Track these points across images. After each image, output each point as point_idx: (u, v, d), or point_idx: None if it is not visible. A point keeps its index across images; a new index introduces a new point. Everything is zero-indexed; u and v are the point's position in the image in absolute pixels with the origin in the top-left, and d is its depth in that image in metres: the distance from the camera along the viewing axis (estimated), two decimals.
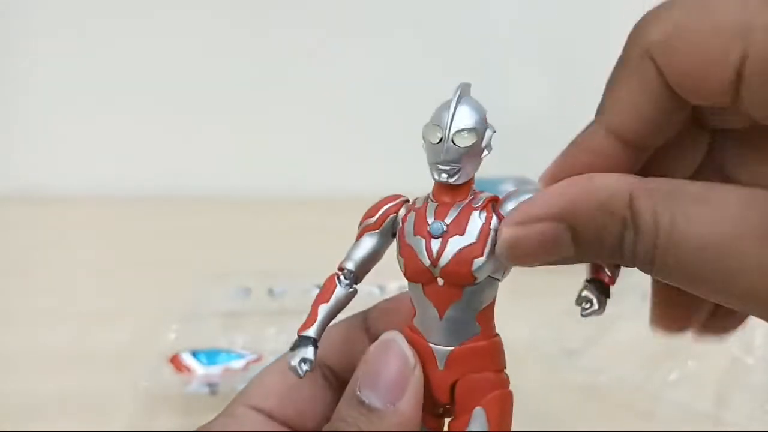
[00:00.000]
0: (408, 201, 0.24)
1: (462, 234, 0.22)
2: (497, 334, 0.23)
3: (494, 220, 0.22)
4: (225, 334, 0.51)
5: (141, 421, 0.42)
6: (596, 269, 0.23)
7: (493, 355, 0.23)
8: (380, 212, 0.24)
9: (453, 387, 0.22)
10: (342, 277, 0.24)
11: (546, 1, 0.82)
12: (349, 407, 0.21)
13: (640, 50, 0.23)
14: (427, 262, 0.22)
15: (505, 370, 0.23)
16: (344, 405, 0.22)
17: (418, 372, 0.22)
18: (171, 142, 0.81)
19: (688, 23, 0.22)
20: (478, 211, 0.22)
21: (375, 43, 0.81)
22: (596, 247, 0.20)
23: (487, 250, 0.22)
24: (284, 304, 0.55)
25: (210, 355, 0.47)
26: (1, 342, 0.51)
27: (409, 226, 0.22)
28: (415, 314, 0.23)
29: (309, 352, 0.22)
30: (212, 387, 0.45)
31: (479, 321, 0.22)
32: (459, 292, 0.22)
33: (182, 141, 0.81)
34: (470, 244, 0.22)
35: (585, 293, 0.23)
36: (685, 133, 0.24)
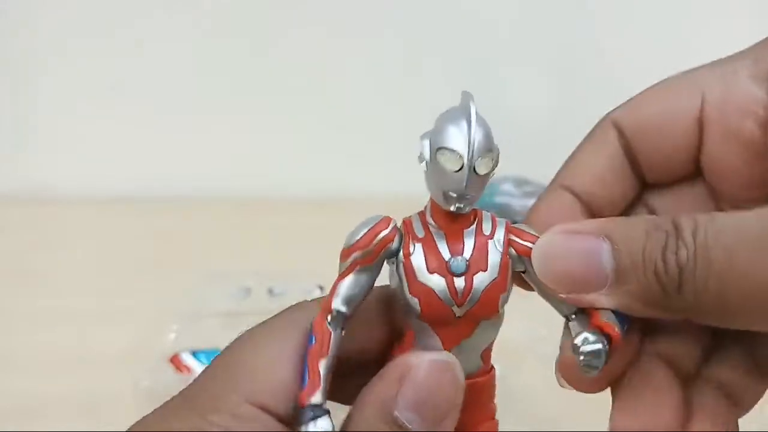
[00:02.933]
0: (397, 227, 0.21)
1: (485, 269, 0.20)
2: (493, 367, 0.22)
3: (506, 241, 0.21)
4: (225, 334, 0.51)
5: None
6: (598, 327, 0.20)
7: (489, 390, 0.22)
8: (375, 242, 0.20)
9: None
10: (332, 321, 0.20)
11: (546, 1, 0.82)
12: (383, 427, 0.19)
13: (607, 120, 0.24)
14: (451, 303, 0.20)
15: (494, 399, 0.22)
16: (376, 423, 0.19)
17: (461, 398, 0.20)
18: (171, 143, 0.81)
19: (650, 92, 0.24)
20: (492, 240, 0.21)
21: (375, 43, 0.81)
22: (636, 261, 0.19)
23: (509, 283, 0.21)
24: (284, 304, 0.54)
25: (210, 355, 0.47)
26: (1, 342, 0.51)
27: (418, 262, 0.20)
28: (413, 341, 0.21)
29: (327, 424, 0.19)
30: None
31: (483, 357, 0.21)
32: (472, 330, 0.21)
33: (182, 141, 0.81)
34: (494, 280, 0.20)
35: (590, 338, 0.20)
36: (618, 178, 0.25)
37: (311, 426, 0.19)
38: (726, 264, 0.18)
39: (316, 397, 0.19)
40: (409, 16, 0.81)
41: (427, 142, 0.20)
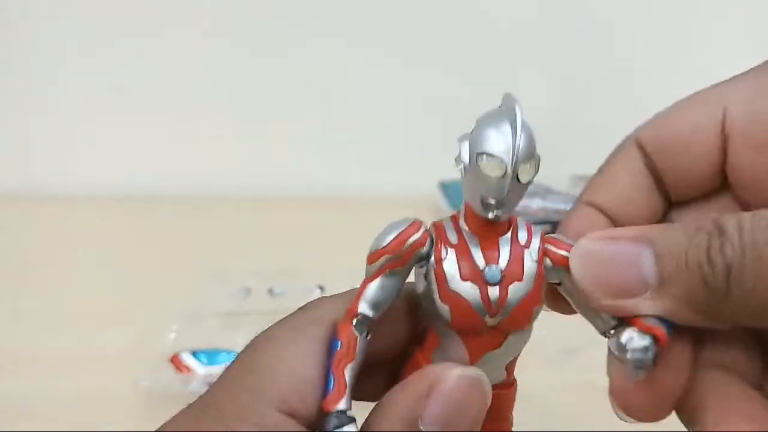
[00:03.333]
0: (428, 228, 0.20)
1: (521, 280, 0.19)
2: (515, 380, 0.22)
3: (545, 260, 0.20)
4: (225, 334, 0.51)
5: (141, 421, 0.42)
6: (640, 324, 0.20)
7: (510, 403, 0.22)
8: (405, 247, 0.20)
9: None
10: (359, 326, 0.20)
11: (546, 2, 0.82)
12: None
13: (631, 139, 0.24)
14: (483, 312, 0.19)
15: (512, 413, 0.22)
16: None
17: (485, 412, 0.20)
18: (172, 143, 0.81)
19: (672, 109, 0.24)
20: (527, 249, 0.20)
21: (375, 43, 0.81)
22: (680, 263, 0.19)
23: (542, 295, 0.20)
24: (284, 304, 0.55)
25: (210, 355, 0.47)
26: (1, 342, 0.51)
27: (451, 268, 0.19)
28: (436, 347, 0.20)
29: (352, 429, 0.19)
30: None
31: (507, 369, 0.21)
32: (500, 342, 0.20)
33: (183, 141, 0.81)
34: (530, 291, 0.20)
35: (635, 336, 0.19)
36: (644, 195, 0.24)
37: None
38: None
39: (342, 404, 0.19)
40: (409, 17, 0.81)
41: (466, 145, 0.19)
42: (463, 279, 0.19)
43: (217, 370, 0.46)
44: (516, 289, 0.19)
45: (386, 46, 0.81)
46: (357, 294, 0.20)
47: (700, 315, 0.19)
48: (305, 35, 0.80)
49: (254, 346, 0.21)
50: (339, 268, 0.54)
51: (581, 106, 0.82)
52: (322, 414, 0.19)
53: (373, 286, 0.20)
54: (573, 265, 0.20)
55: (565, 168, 0.79)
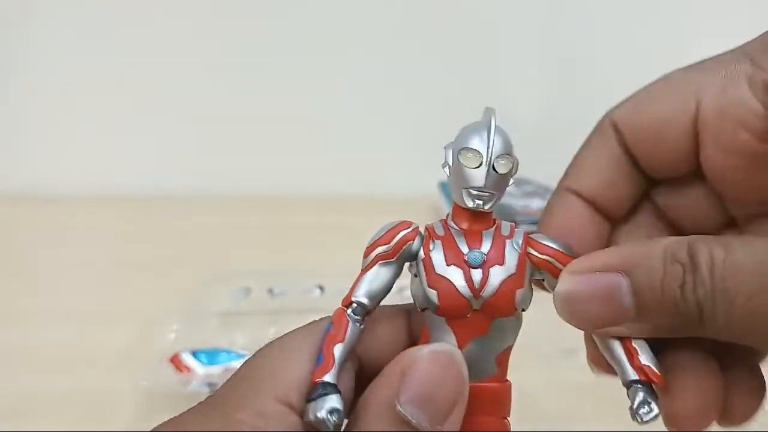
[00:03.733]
0: (418, 229, 0.22)
1: (502, 264, 0.21)
2: (508, 380, 0.22)
3: (524, 245, 0.21)
4: (225, 334, 0.51)
5: (141, 421, 0.42)
6: (640, 370, 0.21)
7: (502, 401, 0.22)
8: (396, 239, 0.21)
9: None
10: (352, 313, 0.21)
11: (546, 2, 0.82)
12: (386, 420, 0.19)
13: (606, 121, 0.25)
14: (468, 294, 0.20)
15: (508, 416, 0.22)
16: (379, 416, 0.19)
17: (466, 394, 0.20)
18: (171, 143, 0.81)
19: (647, 92, 0.24)
20: (510, 240, 0.21)
21: (374, 43, 0.81)
22: (657, 298, 0.20)
23: (526, 281, 0.21)
24: (284, 304, 0.55)
25: (210, 355, 0.47)
26: (1, 342, 0.51)
27: (437, 256, 0.21)
28: (428, 340, 0.21)
29: (335, 400, 0.19)
30: (212, 387, 0.45)
31: (497, 362, 0.21)
32: (487, 327, 0.21)
33: (183, 141, 0.81)
34: (512, 275, 0.21)
35: (641, 396, 0.20)
36: (622, 177, 0.25)
37: (320, 401, 0.19)
38: (745, 302, 0.19)
39: (329, 376, 0.20)
40: (409, 17, 0.81)
41: (450, 150, 0.22)
42: (448, 264, 0.21)
43: (217, 370, 0.46)
44: (497, 272, 0.21)
45: (387, 48, 0.81)
46: (352, 285, 0.22)
47: (678, 336, 0.21)
48: (306, 35, 0.80)
49: (262, 350, 0.22)
50: (339, 268, 0.54)
51: (581, 107, 0.82)
52: (311, 387, 0.20)
53: (367, 277, 0.22)
54: (557, 305, 0.21)
55: (565, 168, 0.79)
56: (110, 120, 0.80)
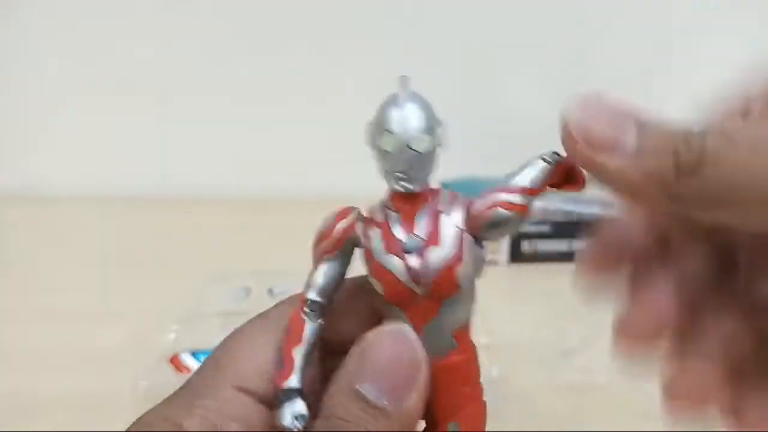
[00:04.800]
0: (360, 212, 0.22)
1: (438, 244, 0.20)
2: (473, 345, 0.22)
3: (462, 215, 0.21)
4: (225, 334, 0.51)
5: None
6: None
7: (468, 370, 0.22)
8: (335, 231, 0.22)
9: (427, 402, 0.21)
10: (307, 310, 0.21)
11: (546, 2, 0.82)
12: (348, 403, 0.19)
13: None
14: (409, 282, 0.20)
15: (479, 380, 0.22)
16: (341, 400, 0.20)
17: (425, 369, 0.20)
18: (171, 142, 0.81)
19: None
20: (446, 214, 0.21)
21: (374, 43, 0.81)
22: (659, 138, 0.19)
23: (466, 254, 0.20)
24: None
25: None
26: (1, 342, 0.51)
27: (376, 245, 0.21)
28: None
29: (300, 406, 0.20)
30: None
31: (456, 337, 0.21)
32: (436, 308, 0.21)
33: (182, 141, 0.81)
34: (450, 253, 0.20)
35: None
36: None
37: (285, 407, 0.20)
38: (751, 146, 0.18)
39: (291, 381, 0.20)
40: (409, 18, 0.81)
41: (370, 129, 0.21)
42: (387, 252, 0.20)
43: None
44: (434, 254, 0.20)
45: (386, 49, 0.81)
46: (305, 284, 0.22)
47: (661, 191, 0.19)
48: (306, 36, 0.80)
49: (225, 340, 0.23)
50: None
51: None
52: (275, 390, 0.21)
53: (316, 274, 0.22)
54: (568, 111, 0.21)
55: None
56: (111, 120, 0.80)
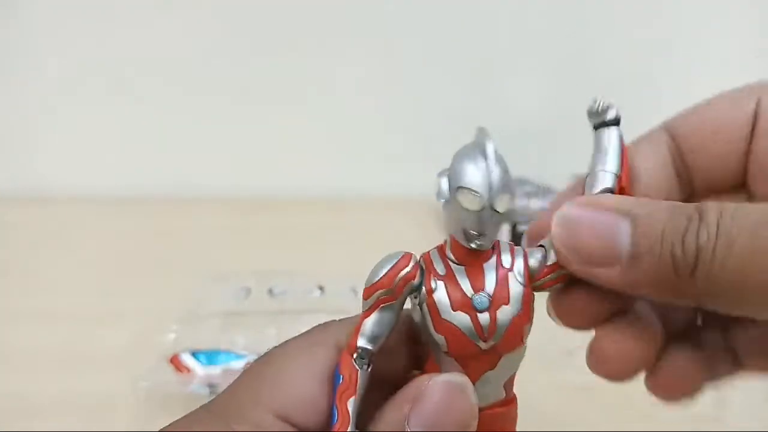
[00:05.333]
0: (420, 260, 0.21)
1: (508, 303, 0.20)
2: (515, 396, 0.22)
3: (525, 271, 0.21)
4: (225, 335, 0.51)
5: (141, 421, 0.42)
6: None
7: (510, 420, 0.22)
8: (397, 280, 0.20)
9: None
10: (359, 360, 0.21)
11: (546, 2, 0.82)
12: None
13: (660, 127, 0.24)
14: (477, 339, 0.20)
15: (515, 428, 0.22)
16: None
17: (474, 425, 0.20)
18: (171, 142, 0.81)
19: (707, 101, 0.24)
20: (512, 272, 0.21)
21: (375, 43, 0.81)
22: (655, 241, 0.19)
23: (531, 313, 0.21)
24: (284, 304, 0.55)
25: (210, 356, 0.47)
26: (1, 342, 0.51)
27: (442, 299, 0.20)
28: (436, 370, 0.21)
29: None
30: (212, 387, 0.45)
31: (505, 386, 0.22)
32: (496, 361, 0.21)
33: (183, 141, 0.81)
34: (518, 313, 0.20)
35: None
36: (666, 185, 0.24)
37: None
38: (748, 243, 0.18)
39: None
40: (409, 17, 0.81)
41: (445, 180, 0.20)
42: (454, 309, 0.20)
43: (216, 370, 0.46)
44: (504, 313, 0.20)
45: (387, 48, 0.81)
46: (355, 329, 0.21)
47: (662, 292, 0.20)
48: (306, 36, 0.80)
49: (262, 359, 0.22)
50: (339, 268, 0.54)
51: (581, 107, 0.82)
52: None
53: (370, 321, 0.21)
54: (552, 226, 0.21)
55: (565, 168, 0.79)
56: (111, 120, 0.80)
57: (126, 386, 0.44)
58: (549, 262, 0.21)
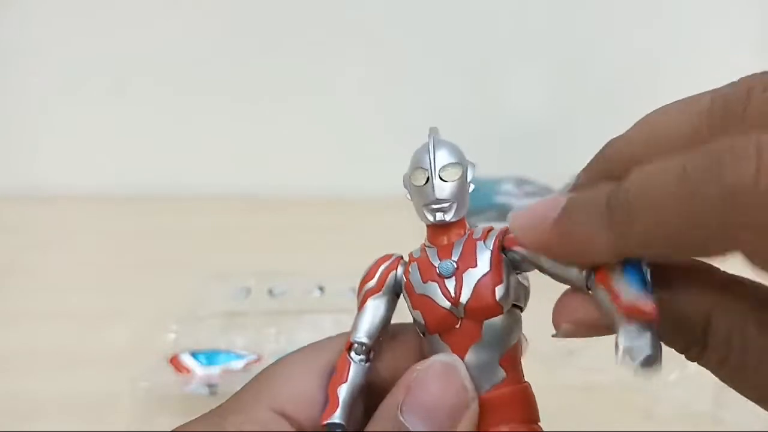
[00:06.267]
0: (402, 257, 0.23)
1: (475, 266, 0.21)
2: (526, 382, 0.21)
3: (497, 242, 0.21)
4: (225, 335, 0.51)
5: (141, 421, 0.42)
6: (626, 311, 0.17)
7: (522, 404, 0.21)
8: (379, 273, 0.22)
9: None
10: (354, 353, 0.21)
11: (546, 2, 0.82)
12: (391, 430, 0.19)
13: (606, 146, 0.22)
14: (447, 304, 0.20)
15: (538, 423, 0.21)
16: (384, 426, 0.19)
17: (474, 406, 0.20)
18: (171, 142, 0.81)
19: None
20: (481, 241, 0.21)
21: (375, 43, 0.81)
22: (587, 197, 0.18)
23: (504, 276, 0.20)
24: (284, 304, 0.55)
25: (210, 356, 0.47)
26: (1, 342, 0.51)
27: (415, 277, 0.21)
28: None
29: None
30: (212, 387, 0.45)
31: (503, 365, 0.21)
32: (479, 332, 0.20)
33: (182, 140, 0.81)
34: (486, 273, 0.20)
35: (623, 337, 0.17)
36: None
37: None
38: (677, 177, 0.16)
39: (335, 417, 0.21)
40: (409, 17, 0.81)
41: (406, 174, 0.22)
42: (424, 281, 0.21)
43: (216, 370, 0.46)
44: (471, 274, 0.21)
45: (387, 47, 0.81)
46: (352, 327, 0.22)
47: (598, 235, 0.18)
48: (306, 36, 0.80)
49: (271, 365, 0.23)
50: (339, 268, 0.54)
51: (581, 107, 0.82)
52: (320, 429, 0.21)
53: (361, 316, 0.22)
54: (510, 225, 0.20)
55: (565, 168, 0.79)
56: (111, 119, 0.80)
57: (126, 386, 0.44)
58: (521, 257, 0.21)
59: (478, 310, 0.20)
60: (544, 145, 0.79)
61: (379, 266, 0.22)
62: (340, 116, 0.82)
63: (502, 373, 0.21)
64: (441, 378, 0.20)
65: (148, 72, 0.79)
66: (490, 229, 0.22)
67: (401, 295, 0.22)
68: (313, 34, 0.80)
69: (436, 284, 0.21)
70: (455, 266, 0.21)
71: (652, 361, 0.17)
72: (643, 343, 0.17)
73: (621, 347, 0.17)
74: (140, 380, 0.45)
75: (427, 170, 0.21)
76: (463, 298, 0.20)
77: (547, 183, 0.75)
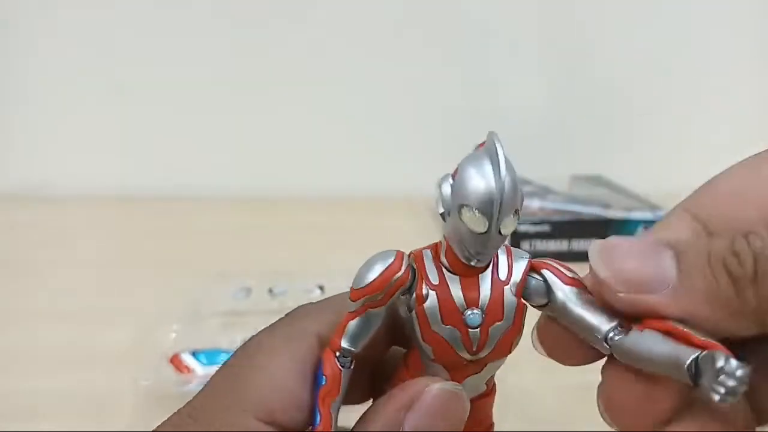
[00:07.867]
0: (411, 266, 0.20)
1: (501, 319, 0.20)
2: (494, 384, 0.22)
3: (520, 283, 0.20)
4: (225, 334, 0.51)
5: (141, 421, 0.42)
6: (704, 345, 0.17)
7: (489, 407, 0.22)
8: (387, 287, 0.19)
9: None
10: (342, 357, 0.20)
11: (546, 2, 0.82)
12: None
13: (678, 208, 0.22)
14: (467, 355, 0.20)
15: (491, 414, 0.23)
16: (383, 428, 0.20)
17: (462, 424, 0.20)
18: (172, 142, 0.81)
19: (719, 176, 0.21)
20: (508, 286, 0.20)
21: (375, 42, 0.81)
22: (702, 258, 0.18)
23: (522, 326, 0.20)
24: (284, 304, 0.55)
25: (210, 355, 0.47)
26: (1, 342, 0.51)
27: (433, 310, 0.19)
28: (421, 367, 0.21)
29: None
30: None
31: (487, 383, 0.22)
32: (481, 369, 0.21)
33: (183, 141, 0.81)
34: (509, 328, 0.20)
35: (712, 363, 0.16)
36: None
37: None
38: None
39: None
40: (409, 16, 0.81)
41: (447, 188, 0.18)
42: (445, 323, 0.19)
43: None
44: (496, 329, 0.20)
45: (387, 48, 0.81)
46: (339, 328, 0.20)
47: (722, 311, 0.17)
48: (308, 35, 0.80)
49: (239, 354, 0.21)
50: (339, 268, 0.54)
51: (580, 107, 0.82)
52: None
53: (354, 323, 0.20)
54: (591, 256, 0.19)
55: (565, 168, 0.79)
56: (112, 120, 0.80)
57: (126, 386, 0.44)
58: (544, 301, 0.20)
59: (491, 358, 0.20)
60: (544, 145, 0.79)
61: (390, 278, 0.19)
62: (340, 117, 0.82)
63: (484, 388, 0.22)
64: (447, 405, 0.20)
65: (150, 73, 0.79)
66: (510, 256, 0.20)
67: (402, 300, 0.20)
68: (313, 36, 0.80)
69: (458, 332, 0.19)
70: (483, 318, 0.19)
71: (743, 378, 0.16)
72: (734, 362, 0.16)
73: (712, 378, 0.16)
74: (141, 379, 0.45)
75: (488, 221, 0.18)
76: (484, 352, 0.20)
77: (546, 183, 0.75)
